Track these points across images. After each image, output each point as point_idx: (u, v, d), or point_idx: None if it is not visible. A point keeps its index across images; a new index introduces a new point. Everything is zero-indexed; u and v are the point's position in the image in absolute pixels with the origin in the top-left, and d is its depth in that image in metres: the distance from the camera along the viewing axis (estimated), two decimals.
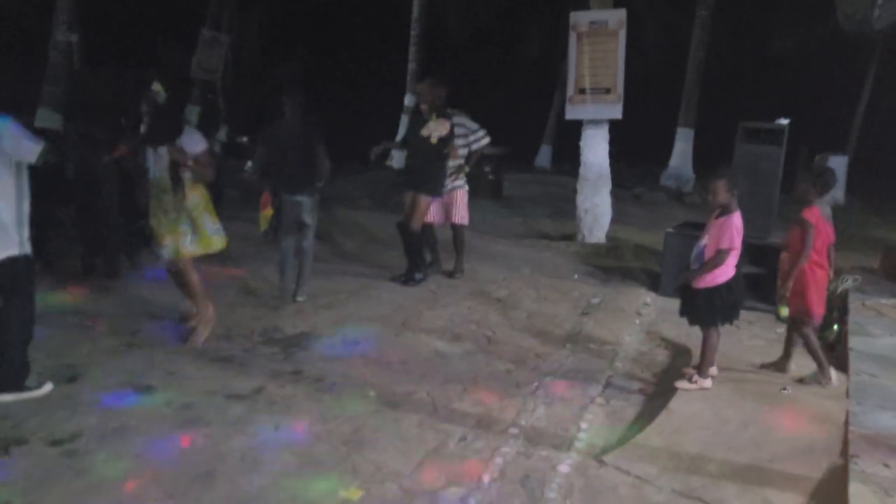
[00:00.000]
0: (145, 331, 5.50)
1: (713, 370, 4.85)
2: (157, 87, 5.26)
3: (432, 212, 7.28)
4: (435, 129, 6.77)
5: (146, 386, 4.51)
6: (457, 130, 7.04)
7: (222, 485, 3.46)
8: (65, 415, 4.08)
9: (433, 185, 6.97)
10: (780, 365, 5.15)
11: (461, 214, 7.33)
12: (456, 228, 7.41)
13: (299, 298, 6.34)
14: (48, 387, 4.38)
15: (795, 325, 5.03)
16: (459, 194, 7.30)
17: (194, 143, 5.17)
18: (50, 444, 3.76)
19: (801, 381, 4.93)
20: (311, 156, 6.23)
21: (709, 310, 4.74)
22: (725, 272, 4.64)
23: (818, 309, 4.97)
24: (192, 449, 3.79)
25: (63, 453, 3.68)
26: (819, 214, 4.94)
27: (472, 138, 7.22)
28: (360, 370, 4.95)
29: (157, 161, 5.15)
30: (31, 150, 4.19)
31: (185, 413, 4.18)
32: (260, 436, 3.95)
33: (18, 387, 4.29)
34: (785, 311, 5.03)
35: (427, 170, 6.91)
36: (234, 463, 3.66)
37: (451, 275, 7.36)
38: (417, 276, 7.04)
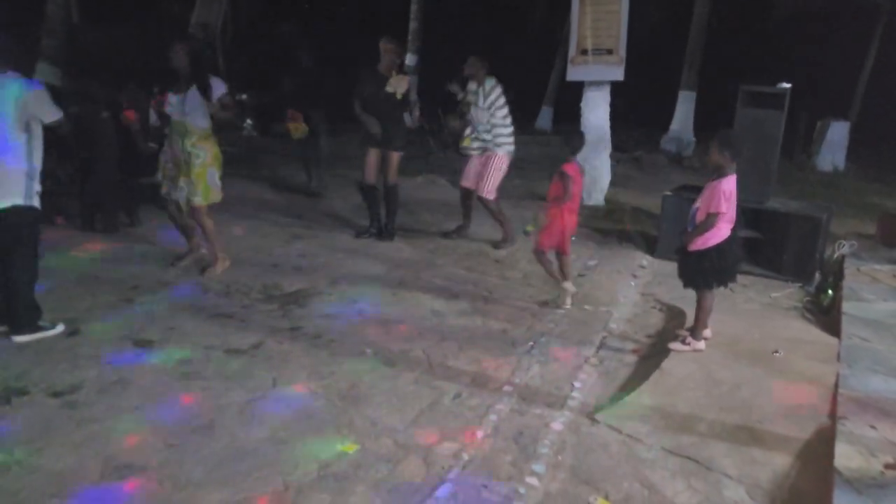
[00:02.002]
0: (145, 286, 5.53)
1: (707, 332, 4.91)
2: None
3: (469, 176, 7.31)
4: (398, 85, 6.92)
5: (146, 340, 4.57)
6: (497, 93, 7.09)
7: (221, 437, 3.53)
8: (66, 367, 4.14)
9: (401, 140, 7.08)
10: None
11: (487, 187, 7.12)
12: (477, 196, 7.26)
13: (313, 183, 8.96)
14: (60, 327, 4.62)
15: (538, 254, 5.68)
16: (494, 159, 7.15)
17: (218, 86, 5.60)
18: (51, 395, 3.82)
19: (544, 303, 5.65)
20: (319, 86, 9.00)
21: (700, 272, 4.78)
22: (717, 235, 4.64)
23: (564, 245, 5.56)
24: (191, 402, 3.85)
25: (64, 404, 3.74)
26: (577, 169, 5.51)
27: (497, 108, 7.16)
28: (357, 328, 5.00)
29: (179, 106, 5.53)
30: (50, 113, 4.46)
31: (184, 367, 4.24)
32: (258, 390, 4.01)
33: (33, 327, 4.50)
34: (531, 228, 5.71)
35: (393, 126, 6.97)
36: (233, 416, 3.72)
37: (497, 245, 7.23)
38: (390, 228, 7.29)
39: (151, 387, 3.99)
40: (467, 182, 7.37)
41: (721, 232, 4.65)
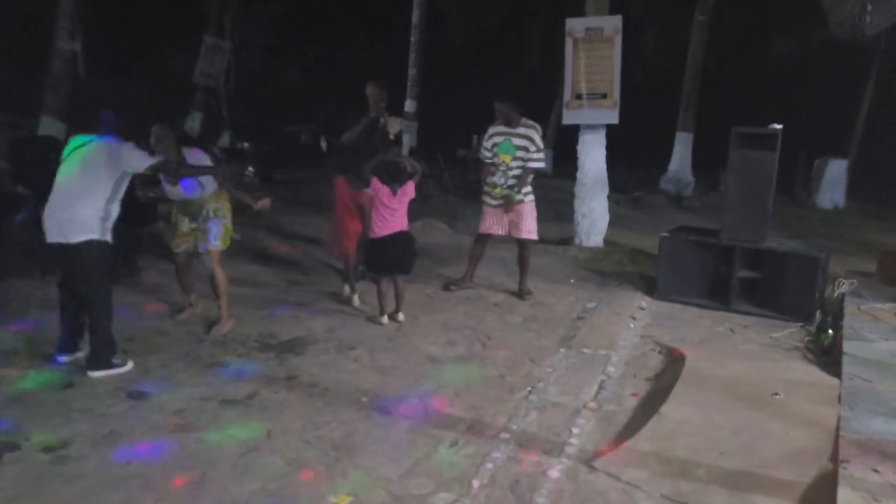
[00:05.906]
0: (140, 337, 5.51)
1: (384, 319, 6.09)
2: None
3: (496, 223, 7.02)
4: (391, 127, 7.03)
5: (139, 392, 4.53)
6: (521, 143, 6.80)
7: (212, 490, 3.48)
8: (58, 421, 4.10)
9: None
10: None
11: (528, 228, 6.95)
12: (522, 244, 7.06)
13: None
14: (130, 364, 4.87)
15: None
16: (526, 207, 6.93)
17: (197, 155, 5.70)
18: (42, 450, 3.78)
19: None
20: None
21: (368, 256, 6.28)
22: (377, 228, 5.98)
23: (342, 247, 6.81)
24: (183, 454, 3.81)
25: (55, 460, 3.70)
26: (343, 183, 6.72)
27: (531, 156, 6.80)
28: (353, 376, 4.97)
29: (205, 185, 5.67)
30: (143, 162, 4.84)
31: (177, 419, 4.20)
32: (252, 441, 3.97)
33: (107, 364, 4.77)
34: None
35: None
36: (225, 469, 3.68)
37: (521, 296, 7.02)
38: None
39: (143, 440, 3.95)
40: (497, 230, 7.04)
41: (380, 227, 5.95)
